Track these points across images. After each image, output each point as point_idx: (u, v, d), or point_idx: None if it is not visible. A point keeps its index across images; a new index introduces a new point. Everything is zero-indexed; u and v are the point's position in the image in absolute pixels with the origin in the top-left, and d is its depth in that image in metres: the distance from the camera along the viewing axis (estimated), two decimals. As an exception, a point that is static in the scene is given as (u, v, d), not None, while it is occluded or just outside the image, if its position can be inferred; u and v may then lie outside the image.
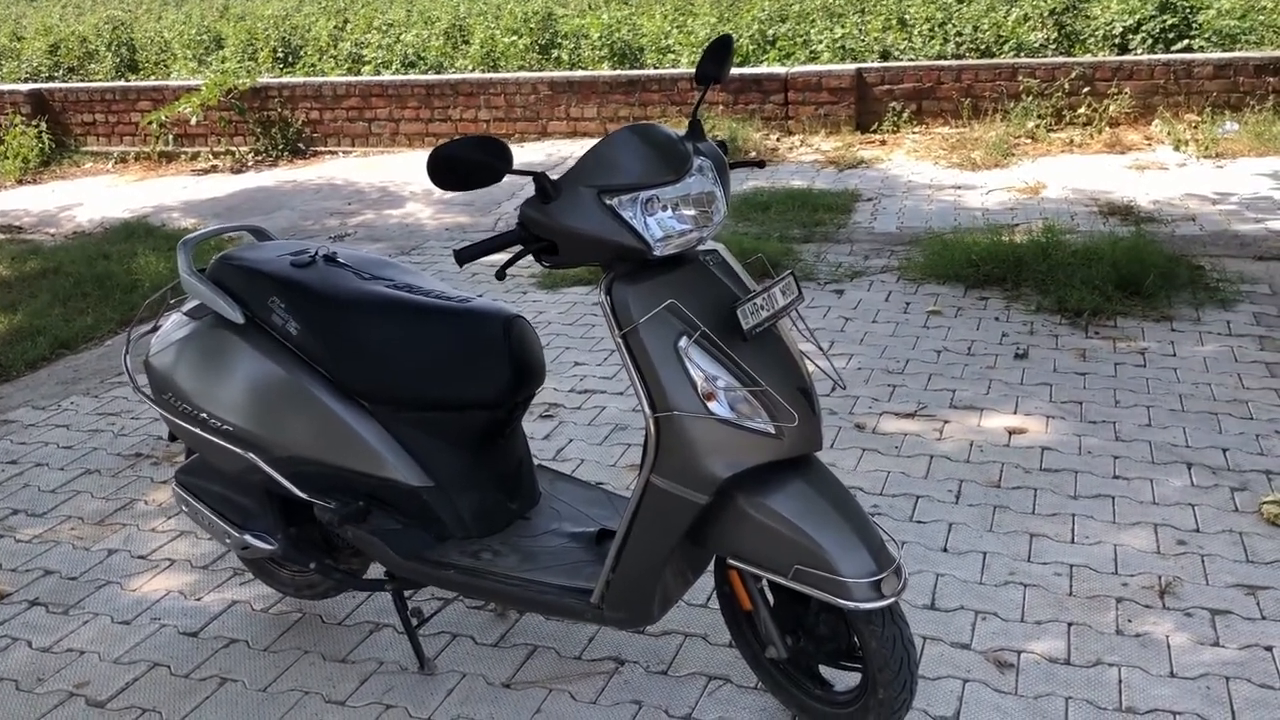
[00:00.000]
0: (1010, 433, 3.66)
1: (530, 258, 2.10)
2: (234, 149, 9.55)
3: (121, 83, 10.71)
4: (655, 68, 9.31)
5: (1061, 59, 8.11)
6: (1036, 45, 8.67)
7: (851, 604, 1.99)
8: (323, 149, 9.50)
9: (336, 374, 2.45)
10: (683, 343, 2.02)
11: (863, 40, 9.01)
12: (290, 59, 11.20)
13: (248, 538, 2.62)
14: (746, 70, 8.57)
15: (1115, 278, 4.78)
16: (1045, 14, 8.84)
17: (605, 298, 2.06)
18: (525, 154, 8.23)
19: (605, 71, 9.10)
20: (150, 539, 3.38)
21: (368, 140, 9.39)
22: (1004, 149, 7.38)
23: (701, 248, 2.15)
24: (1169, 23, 8.37)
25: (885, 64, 8.47)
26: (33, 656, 2.83)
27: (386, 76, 9.82)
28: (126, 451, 4.00)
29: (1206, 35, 8.26)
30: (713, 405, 2.01)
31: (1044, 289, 4.86)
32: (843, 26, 9.22)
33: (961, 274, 5.14)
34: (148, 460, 3.92)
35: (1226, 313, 4.59)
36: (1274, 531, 3.01)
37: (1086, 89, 7.81)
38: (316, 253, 2.61)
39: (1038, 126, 7.75)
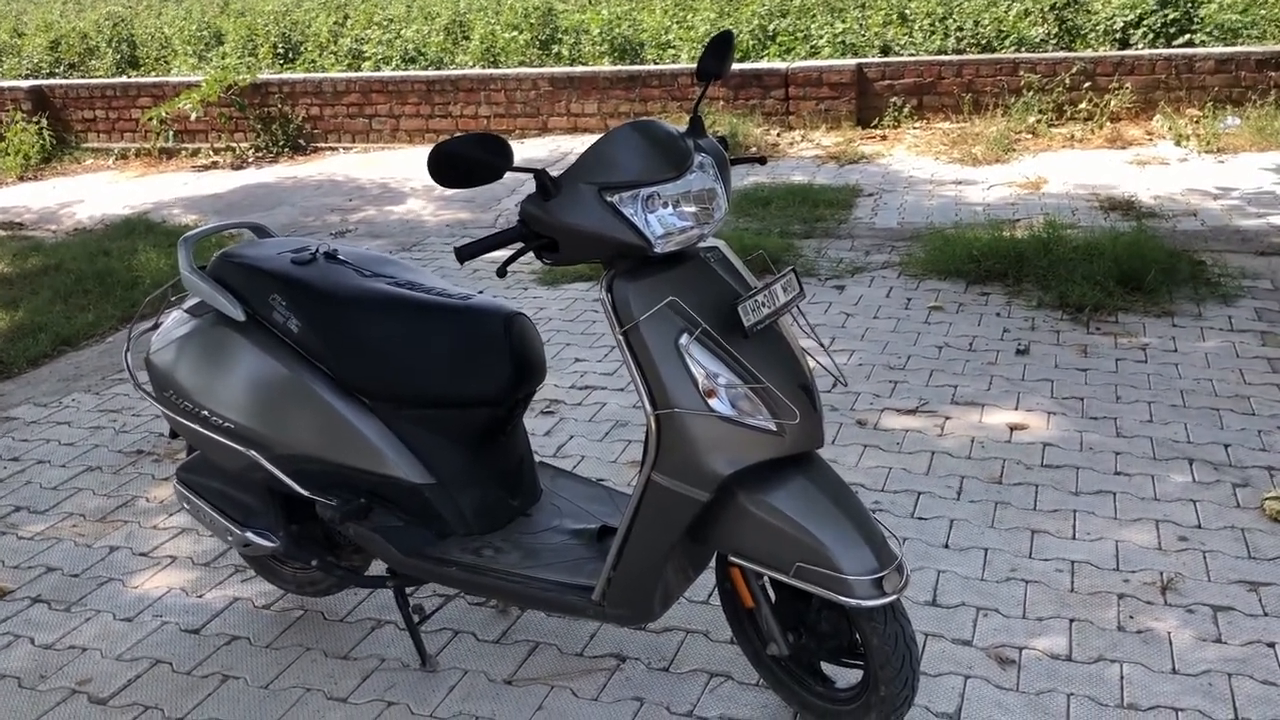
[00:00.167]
0: (1012, 429, 3.66)
1: (531, 255, 2.10)
2: (234, 145, 9.54)
3: (122, 79, 10.70)
4: (656, 63, 9.30)
5: (1062, 54, 8.09)
6: (1037, 40, 8.66)
7: (853, 601, 1.99)
8: (323, 145, 9.49)
9: (338, 371, 2.45)
10: (684, 340, 2.02)
11: (863, 35, 9.00)
12: (290, 55, 11.19)
13: (249, 535, 2.62)
14: (747, 66, 8.56)
15: (1116, 273, 4.78)
16: (1046, 9, 8.83)
17: (606, 295, 2.06)
18: (526, 150, 8.23)
19: (606, 67, 9.09)
20: (152, 536, 3.38)
21: (368, 136, 9.39)
22: (1005, 144, 7.38)
23: (702, 244, 2.14)
24: (1170, 17, 8.36)
25: (886, 59, 8.46)
26: (35, 653, 2.84)
27: (387, 72, 9.81)
28: (128, 448, 4.01)
29: (1208, 29, 8.25)
30: (714, 402, 2.01)
31: (1045, 284, 4.86)
32: (843, 21, 9.21)
33: (963, 269, 5.13)
34: (149, 457, 3.92)
35: (1228, 308, 4.59)
36: (1276, 528, 3.01)
37: (1087, 84, 7.80)
38: (317, 250, 2.61)
39: (1039, 122, 7.74)
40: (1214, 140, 7.07)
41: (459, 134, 1.93)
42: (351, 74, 9.72)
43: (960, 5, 9.07)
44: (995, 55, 8.29)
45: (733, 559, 2.18)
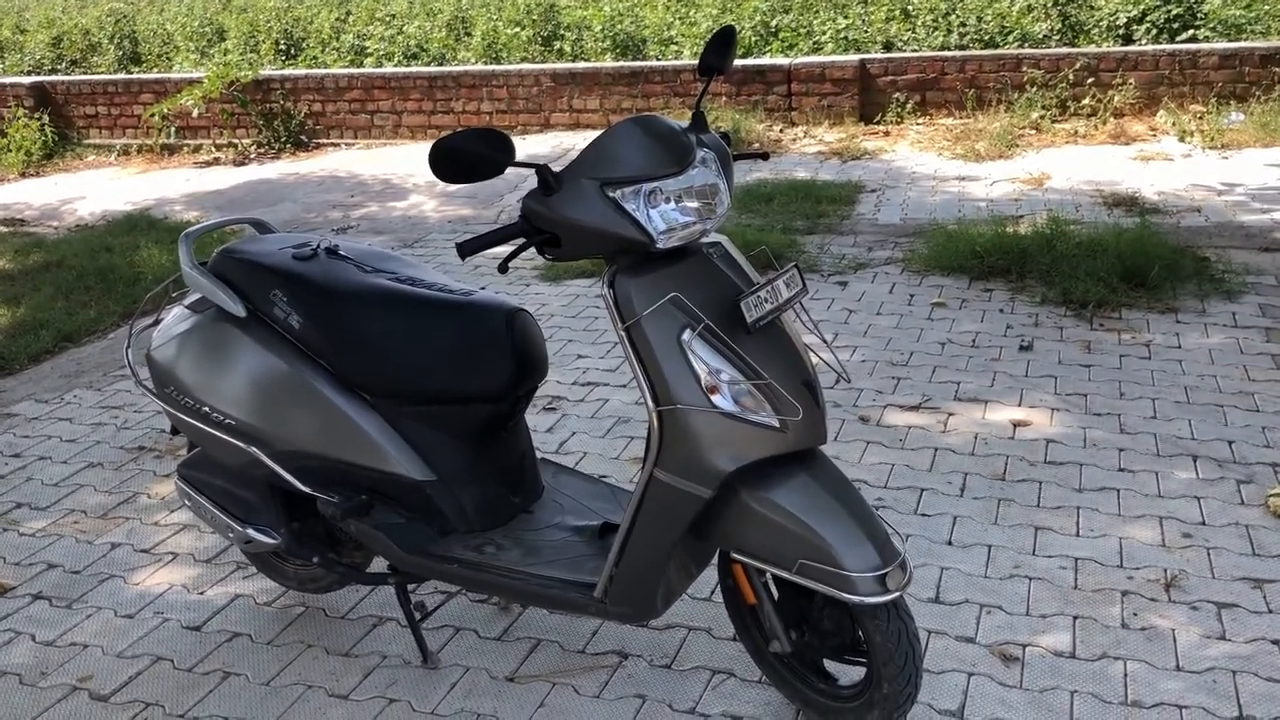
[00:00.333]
0: (1015, 425, 3.65)
1: (533, 250, 2.09)
2: (236, 141, 9.54)
3: (124, 75, 10.70)
4: (658, 59, 9.29)
5: (1066, 50, 8.07)
6: (1040, 36, 8.63)
7: (856, 599, 1.98)
8: (325, 141, 9.48)
9: (339, 367, 2.44)
10: (686, 336, 2.01)
11: (866, 31, 8.98)
12: (292, 51, 11.18)
13: (250, 532, 2.61)
14: (749, 61, 8.54)
15: (1120, 269, 4.76)
16: (1049, 4, 8.80)
17: (608, 291, 2.05)
18: (528, 146, 8.22)
19: (608, 63, 9.08)
20: (153, 533, 3.37)
21: (370, 132, 9.38)
22: (1008, 140, 7.36)
23: (705, 240, 2.13)
24: (1174, 12, 8.33)
25: (889, 55, 8.44)
26: (36, 650, 2.83)
27: (389, 69, 9.80)
28: (129, 445, 4.00)
29: (1212, 25, 8.22)
30: (716, 399, 2.00)
31: (1048, 281, 4.85)
32: (846, 17, 9.19)
33: (966, 266, 5.12)
34: (151, 453, 3.92)
35: (1232, 304, 4.58)
36: (1280, 524, 3.00)
37: (1091, 80, 7.78)
38: (318, 246, 2.60)
39: (1042, 117, 7.72)
40: (1218, 136, 7.05)
41: (461, 129, 1.92)
42: (354, 70, 9.71)
43: (963, 1, 9.05)
44: (998, 51, 8.27)
45: (735, 556, 2.17)
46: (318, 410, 2.43)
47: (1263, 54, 7.49)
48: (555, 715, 2.46)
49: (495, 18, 10.53)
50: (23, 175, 9.50)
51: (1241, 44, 7.72)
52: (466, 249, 2.02)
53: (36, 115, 10.00)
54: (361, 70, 9.65)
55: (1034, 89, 7.83)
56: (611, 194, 1.98)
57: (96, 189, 8.67)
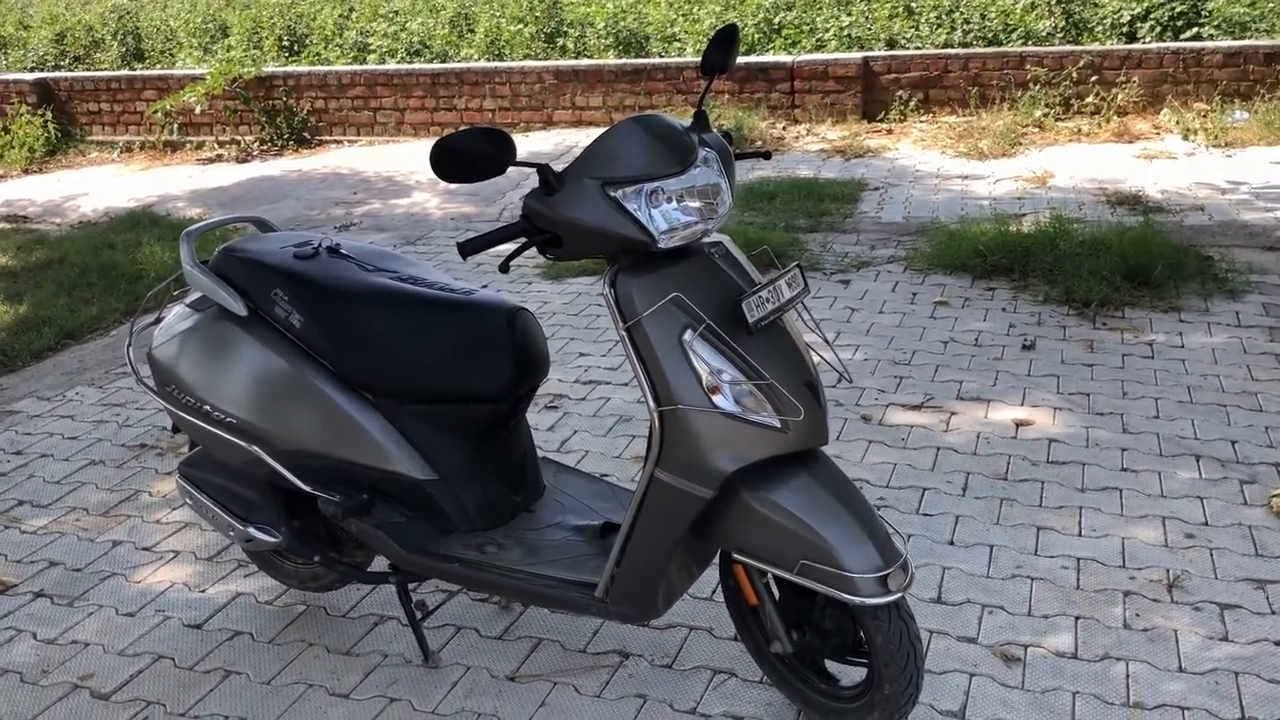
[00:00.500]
0: (1017, 425, 3.64)
1: (535, 250, 2.09)
2: (239, 138, 9.53)
3: (127, 72, 10.69)
4: (661, 56, 9.27)
5: (1069, 47, 8.05)
6: (1044, 34, 8.62)
7: (857, 599, 1.98)
8: (328, 138, 9.48)
9: (340, 366, 2.44)
10: (687, 336, 2.00)
11: (869, 28, 8.96)
12: (295, 48, 11.17)
13: (251, 530, 2.61)
14: (752, 59, 8.53)
15: (1123, 268, 4.75)
16: (1053, 2, 8.78)
17: (609, 290, 2.05)
18: (530, 143, 8.21)
19: (611, 60, 9.06)
20: (155, 531, 3.37)
21: (373, 130, 9.38)
22: (1011, 138, 7.34)
23: (707, 240, 2.13)
24: (1178, 10, 8.31)
25: (892, 52, 8.43)
26: (37, 648, 2.83)
27: (392, 65, 9.79)
28: (131, 442, 4.00)
29: (1216, 23, 8.20)
30: (717, 399, 2.00)
31: (1051, 279, 4.84)
32: (849, 14, 9.17)
33: (968, 264, 5.11)
34: (152, 451, 3.92)
35: (1235, 303, 4.56)
36: (1283, 525, 2.99)
37: (1094, 78, 7.76)
38: (320, 244, 2.60)
39: (1045, 116, 7.71)
40: (1222, 134, 7.03)
41: (463, 128, 1.91)
42: (356, 67, 9.70)
43: (967, -2, 9.04)
44: (1002, 49, 8.25)
45: (736, 556, 2.17)
46: (319, 409, 2.43)
47: (1267, 52, 7.47)
48: (556, 715, 2.46)
49: (498, 14, 10.52)
50: (26, 172, 9.50)
51: (1246, 42, 7.69)
52: (468, 249, 2.02)
53: (39, 112, 10.00)
54: (364, 67, 9.65)
55: (1037, 87, 7.81)
56: (613, 193, 1.98)
57: (99, 186, 8.67)
